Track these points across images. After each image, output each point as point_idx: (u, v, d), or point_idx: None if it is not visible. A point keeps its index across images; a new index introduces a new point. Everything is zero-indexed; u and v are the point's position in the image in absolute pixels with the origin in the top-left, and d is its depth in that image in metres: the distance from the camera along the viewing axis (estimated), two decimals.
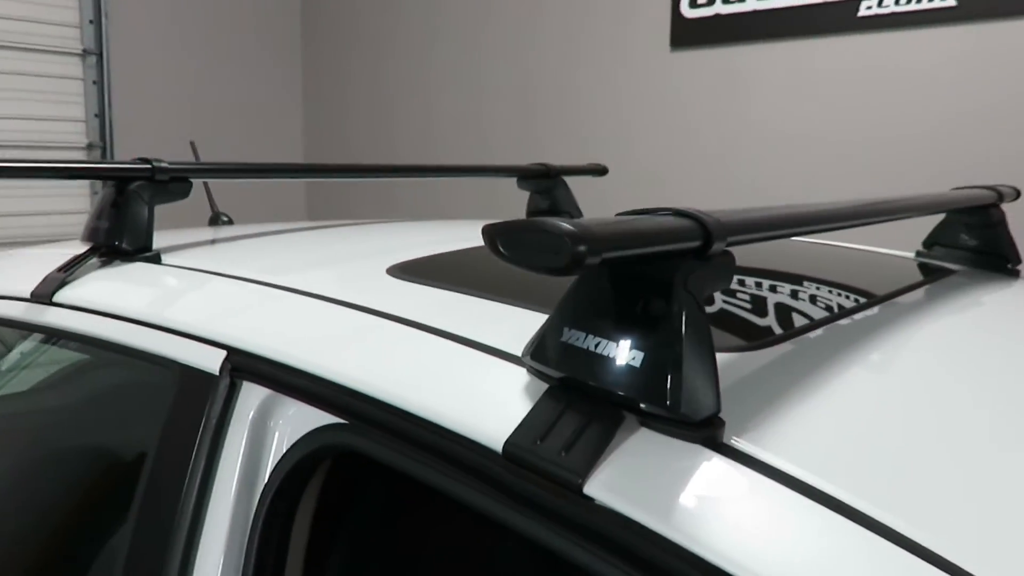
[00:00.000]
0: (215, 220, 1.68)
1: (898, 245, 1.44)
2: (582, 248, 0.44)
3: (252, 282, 0.89)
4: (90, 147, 3.87)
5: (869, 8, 2.97)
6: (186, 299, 0.92)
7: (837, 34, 3.05)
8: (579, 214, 1.71)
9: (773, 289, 0.97)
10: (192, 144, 1.73)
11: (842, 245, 1.47)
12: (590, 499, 0.50)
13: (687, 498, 0.49)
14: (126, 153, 3.66)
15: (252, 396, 0.74)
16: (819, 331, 0.77)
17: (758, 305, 0.88)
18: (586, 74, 3.69)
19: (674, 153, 3.45)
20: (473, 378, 0.64)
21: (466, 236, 1.12)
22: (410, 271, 0.91)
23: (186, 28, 4.18)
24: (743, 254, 0.58)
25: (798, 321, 0.81)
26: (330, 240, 1.27)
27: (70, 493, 0.98)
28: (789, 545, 0.46)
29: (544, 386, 0.57)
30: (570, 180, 1.72)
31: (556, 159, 1.77)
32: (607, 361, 0.53)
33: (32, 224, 3.63)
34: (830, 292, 1.01)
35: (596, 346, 0.53)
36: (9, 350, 1.16)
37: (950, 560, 0.44)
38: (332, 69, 4.65)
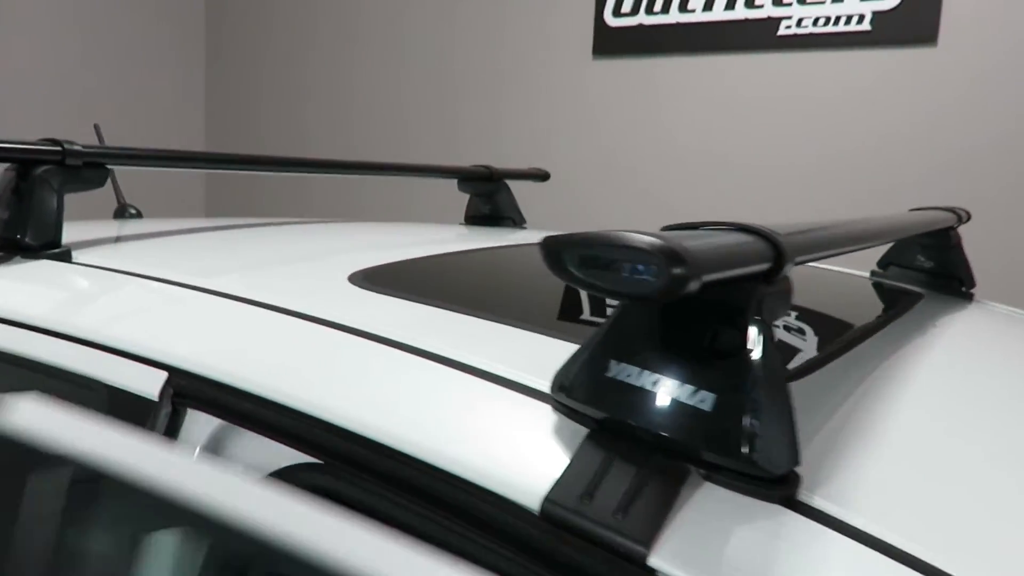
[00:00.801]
0: (121, 212, 1.51)
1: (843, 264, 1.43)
2: (680, 271, 0.36)
3: (189, 288, 0.76)
4: None
5: (788, 28, 3.03)
6: (111, 306, 0.78)
7: (757, 51, 3.09)
8: (522, 219, 1.63)
9: None
10: (96, 127, 1.55)
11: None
12: (654, 572, 0.42)
13: (774, 571, 0.41)
14: None
15: (200, 427, 0.62)
16: (832, 363, 0.71)
17: None
18: (507, 76, 3.62)
19: (591, 160, 3.42)
20: (484, 414, 0.54)
21: (421, 240, 1.02)
22: (375, 280, 0.80)
23: (73, 8, 3.85)
24: None
25: (808, 352, 0.75)
26: (272, 240, 1.14)
27: None
28: None
29: (577, 428, 0.48)
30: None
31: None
32: (666, 402, 0.44)
33: None
34: (820, 318, 0.96)
35: (653, 384, 0.45)
36: None
37: None
38: (238, 58, 4.41)
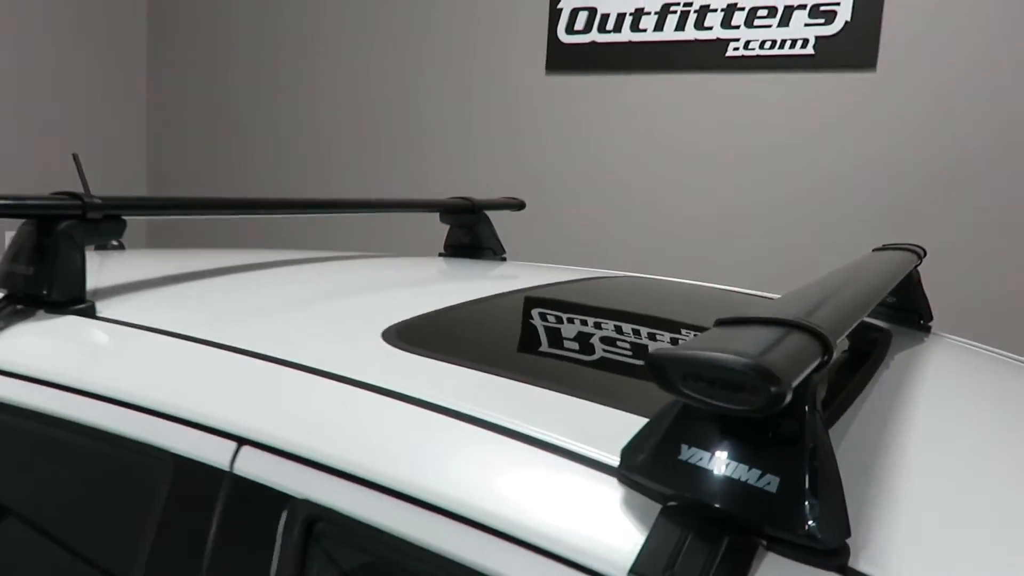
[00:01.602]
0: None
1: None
2: (777, 390, 0.42)
3: (235, 351, 0.79)
4: None
5: (736, 49, 3.15)
6: (161, 371, 0.79)
7: (706, 71, 3.21)
8: (501, 249, 1.68)
9: None
10: (75, 157, 1.54)
11: (751, 293, 1.53)
12: None
13: None
14: None
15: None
16: (846, 414, 0.77)
17: None
18: (461, 92, 3.66)
19: (547, 175, 3.49)
20: (556, 487, 0.59)
21: (437, 279, 1.05)
22: (411, 339, 0.84)
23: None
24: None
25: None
26: (292, 287, 1.15)
27: None
28: None
29: (646, 502, 0.54)
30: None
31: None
32: (736, 484, 0.50)
33: None
34: None
35: (724, 468, 0.51)
36: None
37: None
38: (180, 92, 4.34)
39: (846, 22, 2.95)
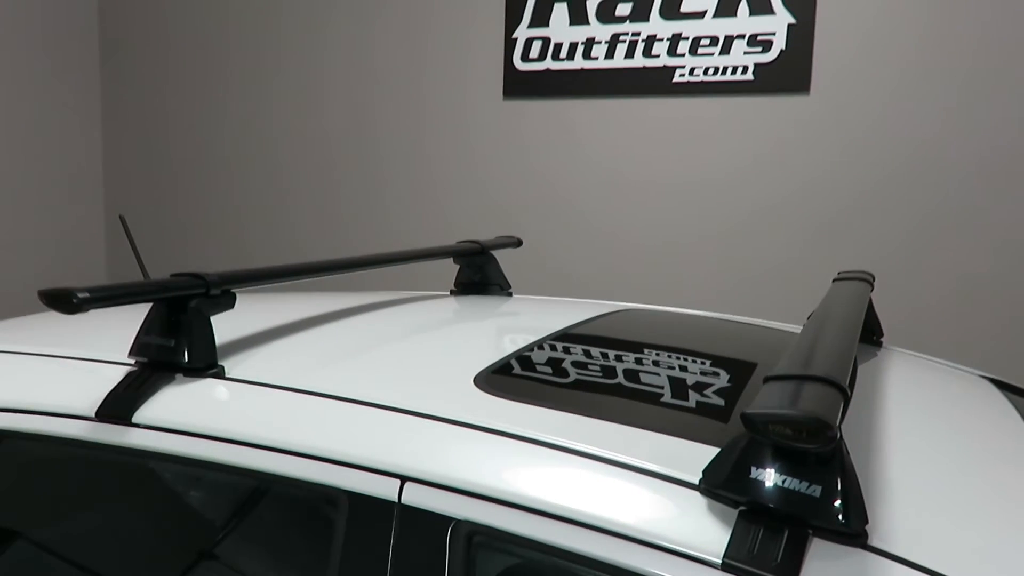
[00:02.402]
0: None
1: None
2: (831, 433, 0.66)
3: (358, 403, 0.99)
4: None
5: (682, 76, 3.42)
6: (307, 422, 0.98)
7: (654, 96, 3.48)
8: (507, 285, 1.90)
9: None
10: (122, 218, 1.70)
11: (731, 318, 1.78)
12: None
13: None
14: None
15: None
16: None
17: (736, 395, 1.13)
18: (419, 117, 3.86)
19: (506, 195, 3.72)
20: (656, 500, 0.82)
21: (500, 317, 1.26)
22: (501, 386, 1.05)
23: None
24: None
25: None
26: (389, 338, 1.37)
27: None
28: None
29: (724, 508, 0.77)
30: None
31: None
32: (792, 492, 0.74)
33: None
34: None
35: (783, 482, 0.75)
36: (59, 472, 1.14)
37: None
38: (136, 114, 4.42)
39: (781, 50, 3.25)
